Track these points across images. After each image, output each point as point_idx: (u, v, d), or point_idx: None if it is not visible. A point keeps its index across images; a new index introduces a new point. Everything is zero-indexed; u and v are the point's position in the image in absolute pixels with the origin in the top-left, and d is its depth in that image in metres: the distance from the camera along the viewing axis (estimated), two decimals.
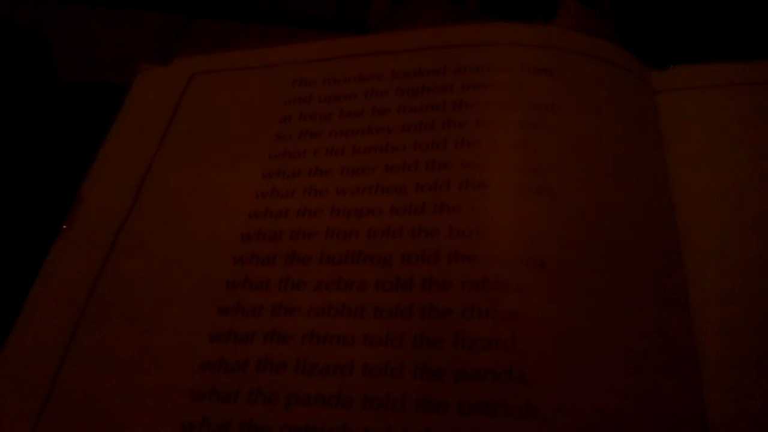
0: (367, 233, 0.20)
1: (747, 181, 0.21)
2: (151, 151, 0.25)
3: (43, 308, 0.22)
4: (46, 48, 0.30)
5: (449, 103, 0.23)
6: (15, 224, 0.27)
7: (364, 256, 0.20)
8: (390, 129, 0.23)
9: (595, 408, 0.17)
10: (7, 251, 0.26)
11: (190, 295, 0.21)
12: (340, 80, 0.25)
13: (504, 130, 0.22)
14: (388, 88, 0.24)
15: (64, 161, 0.29)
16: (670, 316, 0.19)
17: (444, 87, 0.23)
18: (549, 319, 0.18)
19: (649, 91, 0.23)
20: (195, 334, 0.20)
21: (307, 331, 0.19)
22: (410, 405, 0.17)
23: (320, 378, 0.18)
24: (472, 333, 0.18)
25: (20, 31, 0.30)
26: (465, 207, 0.20)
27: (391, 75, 0.24)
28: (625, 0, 0.32)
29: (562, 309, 0.18)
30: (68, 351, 0.21)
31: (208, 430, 0.18)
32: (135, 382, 0.20)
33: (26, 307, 0.22)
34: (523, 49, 0.24)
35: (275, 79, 0.26)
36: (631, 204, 0.21)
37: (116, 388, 0.20)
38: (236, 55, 0.27)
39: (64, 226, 0.23)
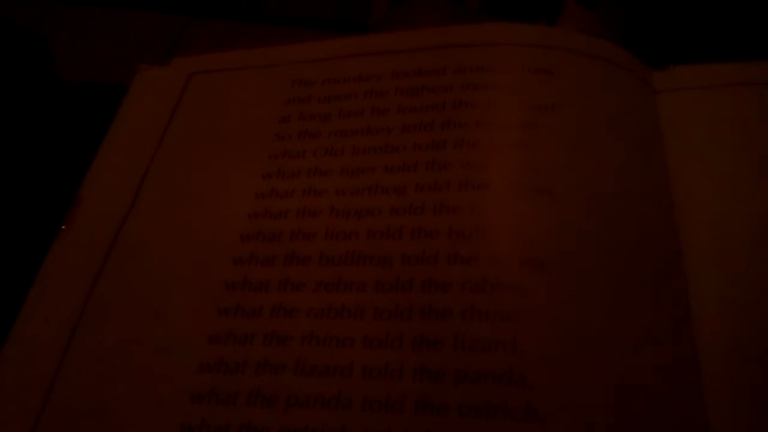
0: (366, 234, 0.20)
1: (748, 182, 0.21)
2: (150, 151, 0.25)
3: (42, 309, 0.22)
4: (45, 48, 0.30)
5: (449, 104, 0.23)
6: (14, 225, 0.27)
7: (363, 256, 0.20)
8: (390, 129, 0.23)
9: (596, 409, 0.17)
10: (7, 251, 0.26)
11: (190, 296, 0.21)
12: (340, 80, 0.25)
13: (504, 131, 0.22)
14: (388, 88, 0.24)
15: (64, 162, 0.29)
16: (670, 317, 0.19)
17: (444, 87, 0.23)
18: (549, 320, 0.18)
19: (649, 91, 0.23)
20: (194, 335, 0.20)
21: (307, 332, 0.19)
22: (410, 407, 0.17)
23: (320, 379, 0.18)
24: (472, 334, 0.18)
25: (19, 31, 0.29)
26: (465, 207, 0.20)
27: (390, 75, 0.24)
28: (627, 2, 0.32)
29: (563, 310, 0.18)
30: (67, 351, 0.20)
31: None
32: (134, 383, 0.19)
33: (25, 308, 0.22)
34: (524, 49, 0.24)
35: (275, 79, 0.26)
36: (631, 205, 0.21)
37: (115, 390, 0.20)
38: (235, 55, 0.27)
39: (64, 227, 0.23)
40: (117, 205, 0.23)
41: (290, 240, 0.21)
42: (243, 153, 0.24)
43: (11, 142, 0.28)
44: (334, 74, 0.25)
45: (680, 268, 0.20)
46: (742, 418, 0.17)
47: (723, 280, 0.19)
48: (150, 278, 0.22)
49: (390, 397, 0.17)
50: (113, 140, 0.26)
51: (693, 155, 0.22)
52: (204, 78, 0.27)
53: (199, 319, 0.20)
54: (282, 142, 0.24)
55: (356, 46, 0.26)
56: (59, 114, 0.31)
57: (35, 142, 0.29)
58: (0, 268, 0.26)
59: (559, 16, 0.31)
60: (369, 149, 0.22)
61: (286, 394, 0.18)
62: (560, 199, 0.20)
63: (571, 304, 0.18)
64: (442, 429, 0.17)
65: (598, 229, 0.20)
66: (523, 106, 0.22)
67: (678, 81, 0.23)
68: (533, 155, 0.21)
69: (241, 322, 0.20)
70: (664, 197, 0.21)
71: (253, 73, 0.26)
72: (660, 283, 0.19)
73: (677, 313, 0.19)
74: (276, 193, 0.22)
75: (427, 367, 0.18)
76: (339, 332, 0.19)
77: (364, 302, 0.19)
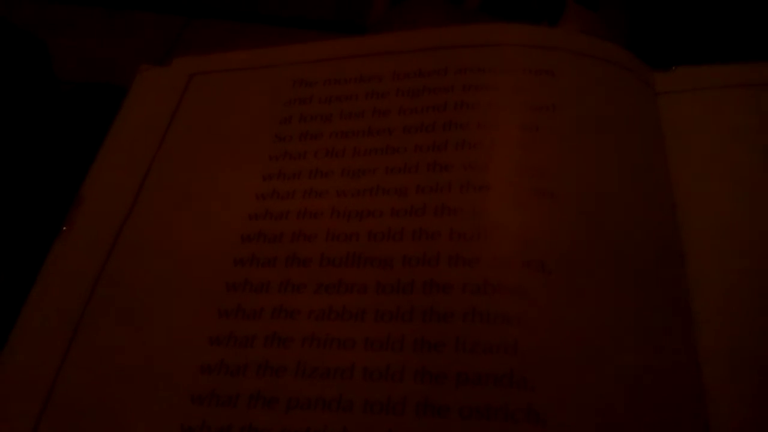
0: (367, 235, 0.20)
1: (749, 183, 0.21)
2: (151, 152, 0.25)
3: (43, 309, 0.22)
4: (43, 49, 0.30)
5: (450, 105, 0.23)
6: (15, 225, 0.27)
7: (364, 258, 0.20)
8: (391, 130, 0.23)
9: (597, 411, 0.17)
10: (8, 252, 0.26)
11: (190, 297, 0.21)
12: (341, 81, 0.25)
13: (505, 132, 0.22)
14: (389, 89, 0.24)
15: (64, 162, 0.29)
16: (672, 318, 0.19)
17: (445, 88, 0.23)
18: (550, 322, 0.18)
19: (651, 93, 0.23)
20: (195, 336, 0.20)
21: (308, 334, 0.19)
22: (411, 409, 0.17)
23: (321, 381, 0.18)
24: (473, 336, 0.18)
25: (16, 32, 0.29)
26: (466, 209, 0.20)
27: (391, 76, 0.24)
28: (629, 3, 0.32)
29: (564, 312, 0.18)
30: (68, 352, 0.20)
31: None
32: (135, 385, 0.19)
33: (27, 308, 0.22)
34: (525, 49, 0.23)
35: (275, 80, 0.26)
36: (633, 206, 0.21)
37: (116, 391, 0.19)
38: (236, 55, 0.27)
39: (64, 227, 0.23)
40: (118, 205, 0.23)
41: (291, 241, 0.21)
42: (244, 154, 0.24)
43: (10, 143, 0.28)
44: (335, 75, 0.25)
45: (681, 270, 0.20)
46: (743, 419, 0.17)
47: (724, 281, 0.19)
48: (150, 279, 0.21)
49: (391, 399, 0.17)
50: (114, 140, 0.26)
51: (694, 156, 0.22)
52: (205, 78, 0.27)
53: (199, 320, 0.20)
54: (283, 143, 0.24)
55: (357, 47, 0.26)
56: (58, 114, 0.31)
57: (34, 142, 0.29)
58: (1, 268, 0.26)
59: (561, 17, 0.31)
60: (370, 150, 0.22)
61: (286, 395, 0.18)
62: (561, 201, 0.20)
63: (573, 306, 0.18)
64: (443, 431, 0.17)
65: (599, 231, 0.20)
66: (524, 107, 0.22)
67: (680, 82, 0.23)
68: (534, 156, 0.21)
69: (241, 324, 0.20)
70: (665, 198, 0.21)
71: (254, 73, 0.26)
72: (661, 285, 0.19)
73: (679, 315, 0.19)
74: (277, 194, 0.22)
75: (428, 369, 0.18)
76: (340, 334, 0.19)
77: (365, 304, 0.19)
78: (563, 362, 0.17)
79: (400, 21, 0.33)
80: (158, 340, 0.20)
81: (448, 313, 0.18)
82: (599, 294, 0.19)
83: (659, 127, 0.23)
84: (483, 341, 0.18)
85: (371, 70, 0.25)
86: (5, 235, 0.26)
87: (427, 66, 0.24)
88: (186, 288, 0.21)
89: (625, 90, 0.23)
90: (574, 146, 0.21)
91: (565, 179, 0.20)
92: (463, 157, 0.21)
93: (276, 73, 0.26)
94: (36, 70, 0.30)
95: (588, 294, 0.19)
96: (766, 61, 0.23)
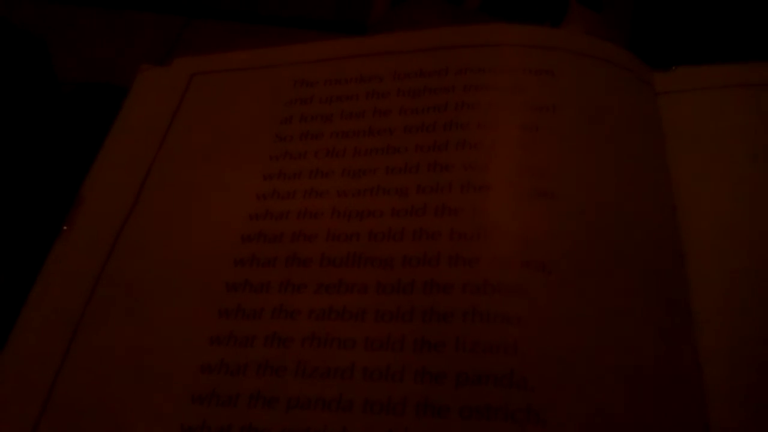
0: (368, 235, 0.20)
1: (749, 183, 0.21)
2: (152, 152, 0.25)
3: (43, 309, 0.22)
4: (43, 49, 0.30)
5: (451, 105, 0.23)
6: (16, 225, 0.27)
7: (365, 258, 0.20)
8: (391, 130, 0.23)
9: (597, 412, 0.17)
10: (8, 252, 0.26)
11: (191, 297, 0.21)
12: (341, 81, 0.25)
13: (505, 132, 0.22)
14: (390, 89, 0.24)
15: (65, 162, 0.29)
16: (672, 319, 0.19)
17: (445, 88, 0.23)
18: (550, 322, 0.18)
19: (651, 93, 0.23)
20: (195, 336, 0.20)
21: (308, 334, 0.19)
22: (411, 409, 0.17)
23: (321, 381, 0.18)
24: (474, 336, 0.18)
25: (16, 32, 0.29)
26: (466, 209, 0.20)
27: (392, 76, 0.24)
28: (632, 3, 0.32)
29: (564, 312, 0.18)
30: (68, 352, 0.20)
31: None
32: (135, 384, 0.19)
33: (26, 308, 0.22)
34: (525, 50, 0.24)
35: (276, 80, 0.26)
36: (633, 206, 0.21)
37: (116, 390, 0.20)
38: (237, 55, 0.27)
39: (65, 227, 0.23)
40: (118, 205, 0.23)
41: (291, 241, 0.21)
42: (244, 154, 0.24)
43: (10, 143, 0.28)
44: (335, 75, 0.25)
45: (682, 270, 0.20)
46: (743, 419, 0.17)
47: (724, 282, 0.19)
48: (151, 279, 0.21)
49: (391, 399, 0.17)
50: (115, 140, 0.26)
51: (695, 157, 0.22)
52: (205, 78, 0.27)
53: (200, 320, 0.20)
54: (283, 143, 0.24)
55: (358, 47, 0.26)
56: (58, 114, 0.31)
57: (35, 142, 0.29)
58: (1, 268, 0.26)
59: (564, 17, 0.31)
60: (371, 150, 0.22)
61: (287, 395, 0.18)
62: (562, 201, 0.20)
63: (573, 306, 0.18)
64: (443, 431, 0.17)
65: (599, 231, 0.20)
66: (524, 107, 0.22)
67: (680, 82, 0.23)
68: (534, 156, 0.21)
69: (242, 324, 0.20)
70: (665, 198, 0.21)
71: (255, 73, 0.26)
72: (661, 285, 0.19)
73: (679, 315, 0.19)
74: (277, 194, 0.22)
75: (429, 369, 0.18)
76: (340, 334, 0.19)
77: (366, 304, 0.19)
78: (563, 362, 0.17)
79: (400, 21, 0.33)
80: (158, 340, 0.20)
81: (448, 313, 0.18)
82: (599, 294, 0.19)
83: (659, 127, 0.23)
84: (483, 341, 0.18)
85: (372, 70, 0.25)
86: (5, 235, 0.26)
87: (427, 66, 0.24)
88: (186, 288, 0.21)
89: (626, 90, 0.23)
90: (574, 146, 0.21)
91: (566, 179, 0.20)
92: (463, 157, 0.21)
93: (276, 73, 0.26)
94: (36, 70, 0.30)
95: (588, 294, 0.19)
96: (766, 61, 0.23)
